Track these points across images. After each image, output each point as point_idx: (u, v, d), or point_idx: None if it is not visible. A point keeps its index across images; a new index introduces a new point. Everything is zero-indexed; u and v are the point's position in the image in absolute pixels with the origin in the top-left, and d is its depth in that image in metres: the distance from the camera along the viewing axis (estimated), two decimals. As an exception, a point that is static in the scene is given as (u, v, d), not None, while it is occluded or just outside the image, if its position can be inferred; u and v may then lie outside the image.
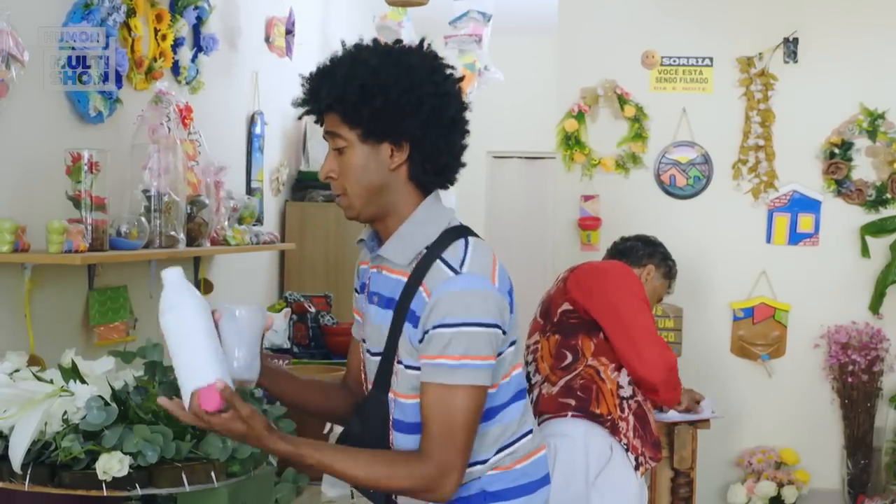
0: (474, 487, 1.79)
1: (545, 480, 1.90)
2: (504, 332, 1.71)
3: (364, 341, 1.86)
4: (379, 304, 1.78)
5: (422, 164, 1.71)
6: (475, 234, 1.77)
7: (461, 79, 1.78)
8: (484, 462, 1.79)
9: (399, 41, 1.74)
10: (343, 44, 1.74)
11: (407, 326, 1.70)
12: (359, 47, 1.71)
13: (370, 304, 1.81)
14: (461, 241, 1.71)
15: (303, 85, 1.73)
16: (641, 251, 3.20)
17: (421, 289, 1.68)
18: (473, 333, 1.65)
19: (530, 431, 1.88)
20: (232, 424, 1.53)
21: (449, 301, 1.64)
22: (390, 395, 1.76)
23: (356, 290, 1.92)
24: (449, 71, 1.73)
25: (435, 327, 1.64)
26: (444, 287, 1.65)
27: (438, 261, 1.68)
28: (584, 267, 3.07)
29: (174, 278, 1.58)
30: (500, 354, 1.74)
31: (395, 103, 1.64)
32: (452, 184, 1.80)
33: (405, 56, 1.69)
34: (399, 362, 1.73)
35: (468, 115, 1.80)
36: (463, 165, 1.80)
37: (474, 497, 1.79)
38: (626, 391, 2.86)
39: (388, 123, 1.66)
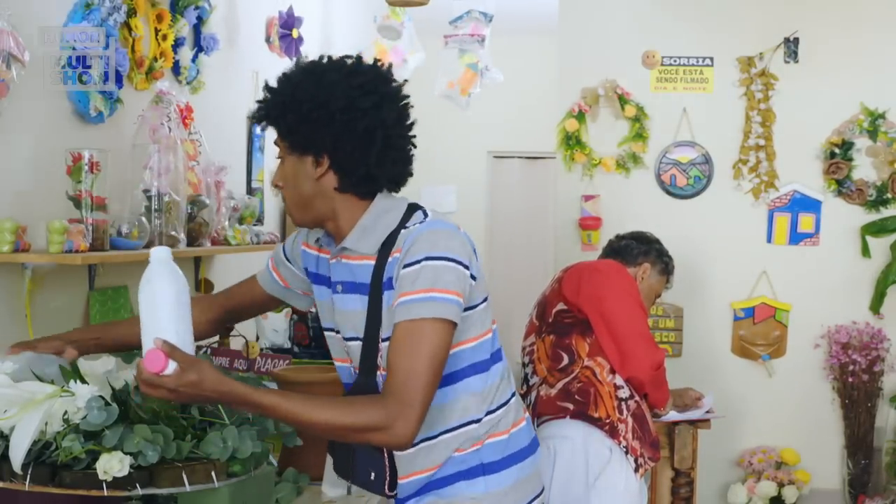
0: (473, 460, 1.82)
1: (533, 446, 1.94)
2: (472, 275, 1.76)
3: (335, 329, 1.92)
4: (346, 290, 1.84)
5: (344, 174, 1.78)
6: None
7: (389, 93, 1.81)
8: (477, 421, 1.82)
9: (341, 59, 1.81)
10: (297, 61, 1.83)
11: (386, 296, 1.76)
12: (298, 66, 1.82)
13: (335, 294, 1.87)
14: (420, 211, 1.82)
15: (257, 101, 1.84)
16: (636, 249, 3.20)
17: (390, 257, 1.76)
18: (438, 267, 1.70)
19: (514, 394, 1.93)
20: (184, 377, 1.57)
21: (415, 242, 1.73)
22: (378, 373, 1.80)
23: (284, 253, 2.04)
24: (374, 86, 1.77)
25: (405, 266, 1.71)
26: (410, 235, 1.74)
27: (403, 229, 1.78)
28: (577, 266, 3.08)
29: (160, 256, 1.65)
30: (472, 308, 1.79)
31: (307, 117, 1.74)
32: (396, 187, 1.86)
33: (325, 73, 1.77)
34: (384, 340, 1.77)
35: (421, 119, 1.86)
36: (402, 171, 1.84)
37: (473, 469, 1.83)
38: (625, 392, 2.86)
39: (304, 136, 1.77)
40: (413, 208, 1.83)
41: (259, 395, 1.63)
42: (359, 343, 1.84)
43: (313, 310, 2.22)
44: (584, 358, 2.85)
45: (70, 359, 1.92)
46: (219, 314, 2.10)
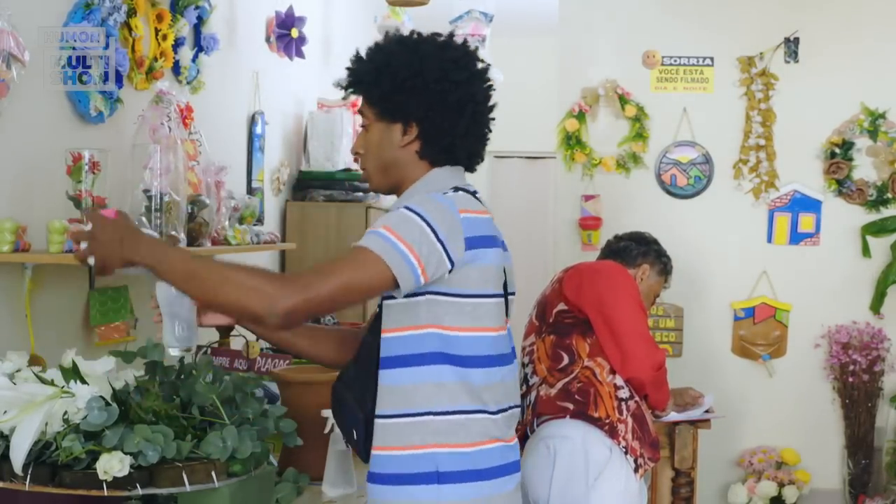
0: (424, 465, 1.77)
1: (510, 469, 1.85)
2: (448, 253, 1.72)
3: None
4: None
5: (429, 143, 1.84)
6: (477, 198, 1.87)
7: (480, 70, 1.88)
8: (447, 414, 1.77)
9: (433, 35, 1.88)
10: (386, 34, 1.91)
11: None
12: (388, 38, 1.88)
13: None
14: (450, 190, 1.83)
15: (346, 66, 1.90)
16: (635, 251, 3.20)
17: None
18: (409, 219, 1.71)
19: (503, 410, 1.84)
20: (114, 218, 1.68)
21: (407, 196, 1.80)
22: (383, 335, 1.81)
23: None
24: (465, 62, 1.85)
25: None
26: (407, 192, 1.83)
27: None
28: (578, 267, 3.08)
29: None
30: (470, 296, 1.77)
31: (402, 86, 1.81)
32: (471, 164, 1.92)
33: (420, 45, 1.85)
34: (384, 298, 1.80)
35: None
36: (480, 148, 1.91)
37: (423, 476, 1.77)
38: (625, 392, 2.86)
39: (396, 104, 1.83)
40: (455, 189, 1.85)
41: (164, 247, 1.71)
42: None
43: None
44: (584, 358, 2.85)
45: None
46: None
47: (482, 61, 1.89)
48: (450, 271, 1.74)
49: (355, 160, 1.97)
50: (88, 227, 1.68)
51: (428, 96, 1.81)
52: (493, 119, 1.92)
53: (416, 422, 1.79)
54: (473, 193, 1.87)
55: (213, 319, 1.88)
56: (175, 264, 1.67)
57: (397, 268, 1.68)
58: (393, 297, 1.78)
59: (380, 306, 1.85)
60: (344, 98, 1.92)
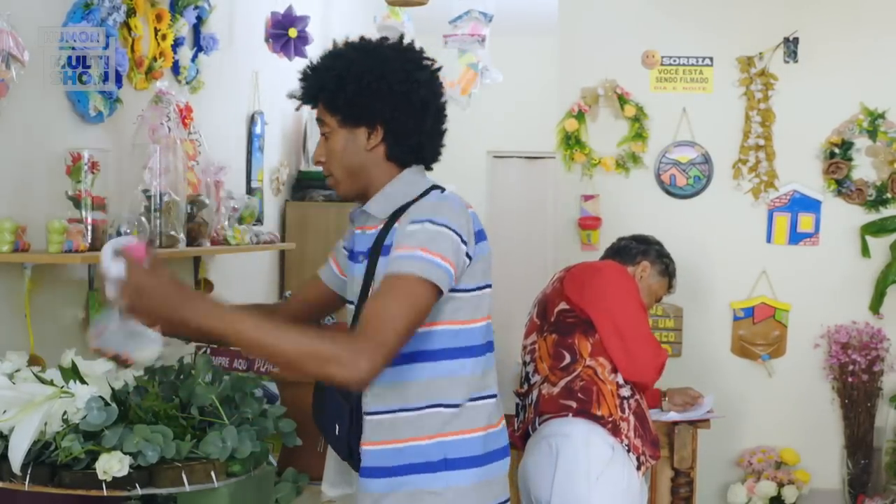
0: (436, 454, 1.81)
1: (505, 452, 1.93)
2: (468, 254, 1.78)
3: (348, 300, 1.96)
4: (363, 261, 1.89)
5: (396, 143, 1.86)
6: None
7: (436, 69, 1.92)
8: (456, 406, 1.81)
9: (384, 38, 1.91)
10: (334, 42, 1.93)
11: (382, 261, 1.80)
12: (344, 44, 1.90)
13: (355, 264, 1.92)
14: (436, 190, 1.88)
15: (299, 78, 1.90)
16: (635, 249, 3.21)
17: (395, 225, 1.81)
18: (435, 231, 1.73)
19: (495, 395, 1.92)
20: (157, 270, 1.60)
21: (421, 207, 1.79)
22: None
23: (343, 242, 2.06)
24: (424, 62, 1.89)
25: (405, 228, 1.76)
26: (416, 206, 1.81)
27: (413, 204, 1.83)
28: (579, 266, 3.08)
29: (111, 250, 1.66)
30: (467, 291, 1.80)
31: (367, 89, 1.82)
32: (432, 162, 1.95)
33: (379, 49, 1.86)
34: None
35: (452, 109, 1.99)
36: (440, 145, 1.95)
37: (436, 464, 1.81)
38: (626, 391, 2.87)
39: (362, 108, 1.83)
40: (434, 187, 1.89)
41: (226, 309, 1.61)
42: (353, 308, 1.88)
43: None
44: (586, 357, 2.85)
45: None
46: (293, 317, 2.03)
47: (434, 61, 1.92)
48: (467, 266, 1.81)
49: (317, 164, 1.95)
50: (113, 271, 1.60)
51: (393, 98, 1.82)
52: (447, 116, 1.95)
53: (421, 415, 1.82)
54: (442, 188, 1.92)
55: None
56: (242, 334, 1.59)
57: (441, 282, 1.72)
58: None
59: (356, 308, 1.86)
60: (297, 109, 1.94)
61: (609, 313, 2.86)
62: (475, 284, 1.84)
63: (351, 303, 1.92)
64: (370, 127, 1.85)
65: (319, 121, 1.90)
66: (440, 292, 1.72)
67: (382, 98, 1.82)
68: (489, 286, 1.90)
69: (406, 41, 1.92)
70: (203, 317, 1.59)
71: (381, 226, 1.86)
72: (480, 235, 1.86)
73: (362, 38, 1.90)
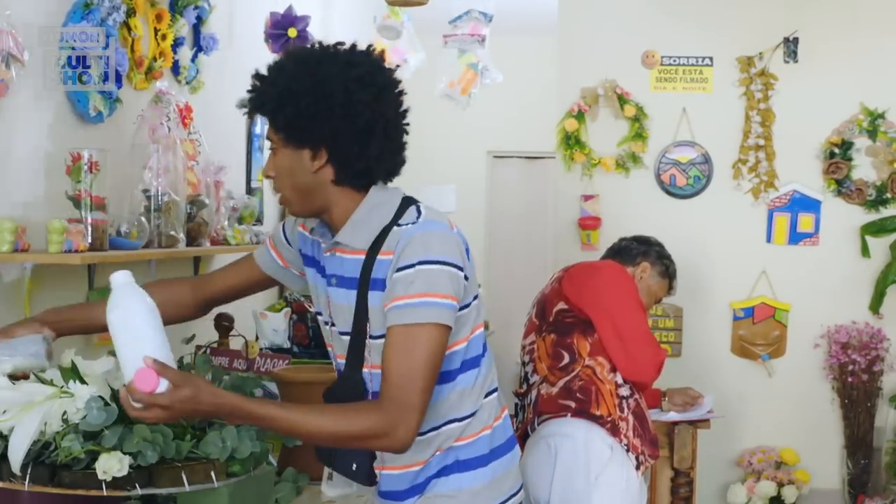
0: (449, 457, 1.82)
1: (511, 443, 1.93)
2: (465, 276, 1.75)
3: (331, 322, 1.90)
4: (339, 285, 1.82)
5: (341, 168, 1.76)
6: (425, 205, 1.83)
7: (389, 83, 1.79)
8: (469, 415, 1.82)
9: (332, 48, 1.77)
10: (287, 50, 1.83)
11: (373, 295, 1.75)
12: (289, 54, 1.79)
13: (329, 287, 1.85)
14: (412, 208, 1.79)
15: (248, 87, 1.79)
16: (635, 249, 3.21)
17: (380, 256, 1.74)
18: (433, 271, 1.69)
19: (496, 389, 1.92)
20: (179, 393, 1.54)
21: (409, 244, 1.71)
22: (365, 370, 1.80)
23: (284, 233, 2.00)
24: (370, 79, 1.74)
25: (398, 270, 1.69)
26: (404, 236, 1.72)
27: (395, 227, 1.75)
28: (578, 266, 3.08)
29: (121, 280, 1.64)
30: (466, 307, 1.78)
31: (305, 112, 1.70)
32: (389, 178, 1.84)
33: (321, 65, 1.72)
34: (371, 337, 1.77)
35: (414, 117, 1.83)
36: (397, 162, 1.82)
37: (449, 467, 1.82)
38: (625, 390, 2.87)
39: (302, 130, 1.73)
40: (406, 203, 1.81)
41: (255, 406, 1.62)
42: (348, 338, 1.84)
43: (312, 309, 2.20)
44: (584, 357, 2.86)
45: (49, 337, 1.92)
46: (211, 294, 2.06)
47: (389, 69, 1.79)
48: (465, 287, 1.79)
49: (266, 177, 1.86)
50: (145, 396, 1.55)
51: (334, 122, 1.70)
52: (408, 125, 1.81)
53: (439, 433, 1.83)
54: (414, 200, 1.83)
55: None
56: (275, 424, 1.64)
57: (450, 320, 1.71)
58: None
59: (353, 340, 1.82)
60: (247, 115, 1.83)
61: (608, 313, 2.86)
62: (471, 296, 1.81)
63: (344, 333, 1.85)
64: (314, 149, 1.74)
65: (267, 136, 1.80)
66: (449, 329, 1.72)
67: (321, 122, 1.70)
68: (476, 297, 1.87)
69: (360, 48, 1.78)
70: (232, 419, 1.65)
71: (359, 254, 1.78)
72: (467, 250, 1.81)
73: (312, 46, 1.78)
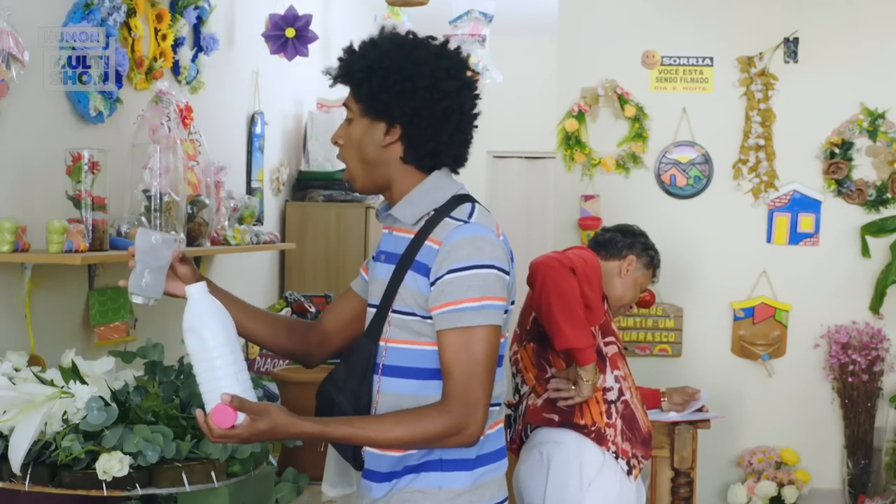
0: (432, 454, 1.82)
1: (502, 453, 1.94)
2: (510, 278, 1.82)
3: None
4: (385, 261, 1.88)
5: (411, 146, 1.84)
6: (480, 204, 1.91)
7: (470, 82, 1.89)
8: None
9: (429, 38, 1.87)
10: (382, 29, 1.89)
11: (412, 276, 1.80)
12: (384, 36, 1.87)
13: (376, 262, 1.91)
14: (468, 204, 1.86)
15: (338, 56, 1.89)
16: (621, 242, 3.15)
17: (428, 242, 1.80)
18: (488, 275, 1.76)
19: (500, 403, 1.91)
20: (256, 426, 1.62)
21: (462, 246, 1.76)
22: (381, 342, 1.83)
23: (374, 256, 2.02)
24: (456, 72, 1.85)
25: (450, 272, 1.75)
26: (456, 233, 1.78)
27: (447, 217, 1.82)
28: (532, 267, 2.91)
29: (198, 294, 1.66)
30: (505, 312, 1.83)
31: (392, 87, 1.80)
32: (456, 167, 1.93)
33: (415, 49, 1.83)
34: (395, 311, 1.81)
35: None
36: (464, 153, 1.91)
37: (429, 464, 1.82)
38: (613, 394, 2.82)
39: (383, 104, 1.81)
40: (463, 197, 1.87)
41: (332, 430, 1.72)
42: (374, 311, 1.86)
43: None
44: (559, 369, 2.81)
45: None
46: (324, 327, 2.03)
47: (472, 71, 1.89)
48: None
49: (334, 143, 1.94)
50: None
51: (416, 102, 1.80)
52: (477, 126, 1.93)
53: None
54: (470, 198, 1.89)
55: (175, 289, 1.87)
56: (353, 438, 1.75)
57: (500, 320, 1.79)
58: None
59: (377, 312, 1.85)
60: (331, 86, 1.88)
61: (547, 306, 2.68)
62: (509, 302, 1.85)
63: (373, 306, 1.88)
64: (389, 124, 1.83)
65: (346, 104, 1.88)
66: (500, 328, 1.79)
67: (404, 99, 1.80)
68: (513, 302, 1.90)
69: (451, 46, 1.89)
70: (310, 438, 1.74)
71: (411, 233, 1.84)
72: (511, 254, 1.87)
73: (408, 33, 1.88)
